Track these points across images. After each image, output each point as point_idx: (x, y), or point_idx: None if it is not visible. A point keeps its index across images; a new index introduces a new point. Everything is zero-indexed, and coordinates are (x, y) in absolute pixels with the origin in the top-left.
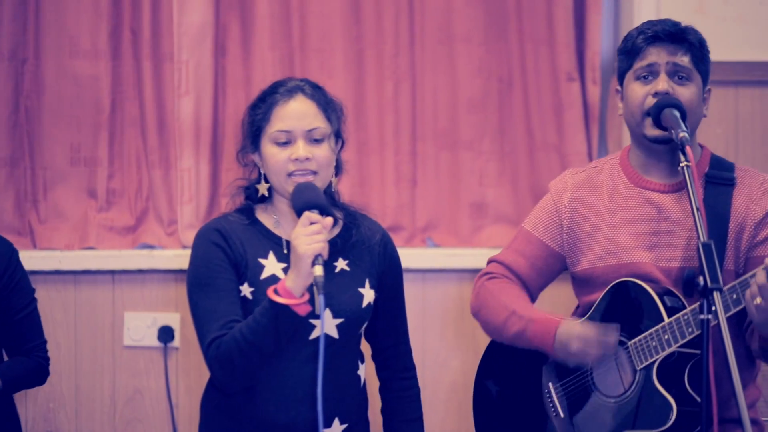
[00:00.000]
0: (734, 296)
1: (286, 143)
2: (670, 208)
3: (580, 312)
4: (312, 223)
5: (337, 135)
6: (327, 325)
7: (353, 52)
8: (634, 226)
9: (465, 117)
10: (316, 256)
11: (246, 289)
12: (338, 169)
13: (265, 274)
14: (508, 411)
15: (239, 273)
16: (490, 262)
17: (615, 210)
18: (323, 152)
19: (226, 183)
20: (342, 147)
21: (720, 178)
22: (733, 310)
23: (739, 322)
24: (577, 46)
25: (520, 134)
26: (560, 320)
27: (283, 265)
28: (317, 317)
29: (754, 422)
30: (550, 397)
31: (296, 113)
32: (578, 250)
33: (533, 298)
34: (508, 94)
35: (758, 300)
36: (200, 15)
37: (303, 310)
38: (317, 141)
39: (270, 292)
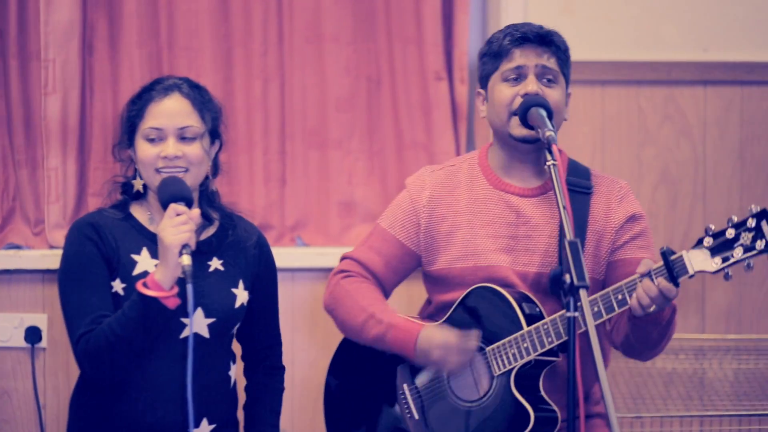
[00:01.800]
0: (595, 309)
1: (157, 140)
2: (529, 212)
3: (432, 310)
4: (178, 215)
5: (214, 135)
6: (198, 324)
7: (221, 50)
8: (493, 228)
9: (334, 116)
10: (183, 246)
11: (118, 285)
12: (215, 170)
13: (137, 270)
14: (361, 411)
15: (111, 268)
16: (344, 258)
17: (474, 211)
18: (194, 150)
19: (93, 182)
20: (220, 148)
21: (578, 186)
22: (605, 317)
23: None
24: (445, 46)
25: (389, 133)
26: (421, 326)
27: (157, 261)
28: (187, 315)
29: (604, 416)
30: (405, 398)
31: (169, 111)
32: (435, 250)
33: (387, 295)
34: (377, 93)
35: (653, 308)
36: (67, 13)
37: (172, 303)
38: (189, 139)
39: (139, 285)
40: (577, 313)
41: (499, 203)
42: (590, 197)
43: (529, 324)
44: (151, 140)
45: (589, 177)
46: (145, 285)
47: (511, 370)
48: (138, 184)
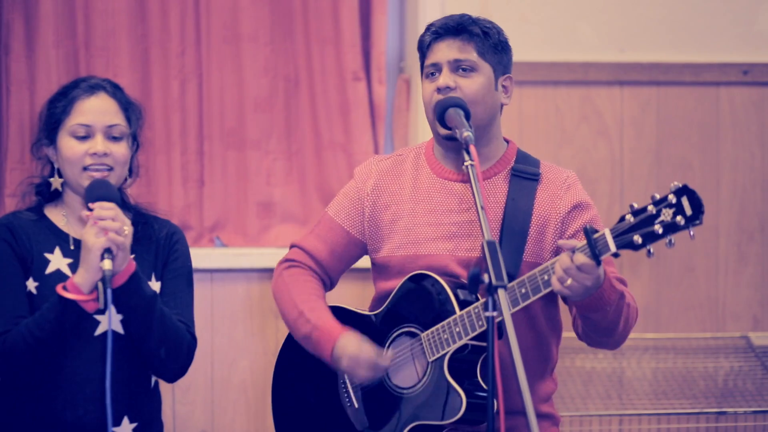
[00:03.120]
0: (523, 290)
1: (84, 137)
2: (471, 198)
3: (375, 298)
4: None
5: (134, 137)
6: (112, 320)
7: (139, 50)
8: (435, 216)
9: (252, 116)
10: (105, 250)
11: (31, 284)
12: (131, 172)
13: (50, 269)
14: (306, 403)
15: (25, 268)
16: (292, 246)
17: (417, 200)
18: (121, 150)
19: (10, 183)
20: (137, 150)
21: (525, 173)
22: (533, 298)
23: (552, 316)
24: (363, 46)
25: (307, 133)
26: (341, 332)
27: (69, 260)
28: (103, 313)
29: (550, 416)
30: (345, 387)
31: (97, 109)
32: (379, 238)
33: (333, 283)
34: (295, 94)
35: (569, 281)
36: None
37: (91, 307)
38: (116, 138)
39: (59, 288)
40: (495, 313)
41: (442, 191)
42: (537, 184)
43: (462, 309)
44: (79, 137)
45: (538, 166)
46: (64, 288)
47: (444, 356)
48: (56, 183)
